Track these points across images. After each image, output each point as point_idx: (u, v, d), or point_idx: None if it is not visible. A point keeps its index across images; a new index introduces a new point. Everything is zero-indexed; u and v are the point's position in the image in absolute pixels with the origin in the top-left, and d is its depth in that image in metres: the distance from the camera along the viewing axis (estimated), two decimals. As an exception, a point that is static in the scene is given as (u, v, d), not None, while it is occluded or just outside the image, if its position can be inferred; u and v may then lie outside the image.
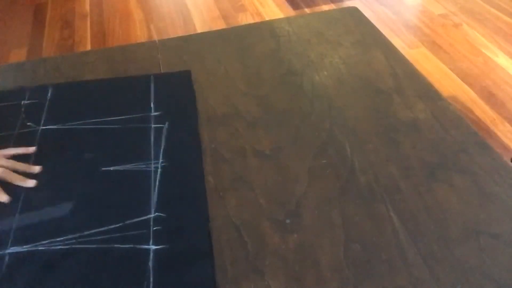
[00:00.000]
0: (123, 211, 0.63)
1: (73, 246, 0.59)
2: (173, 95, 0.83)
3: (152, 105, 0.80)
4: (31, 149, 0.73)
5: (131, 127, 0.76)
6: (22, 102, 0.81)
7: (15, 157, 0.71)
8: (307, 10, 2.42)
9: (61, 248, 0.58)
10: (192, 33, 1.10)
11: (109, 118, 0.78)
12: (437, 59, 2.04)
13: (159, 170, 0.68)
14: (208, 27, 2.31)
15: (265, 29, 1.04)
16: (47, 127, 0.76)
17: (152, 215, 0.62)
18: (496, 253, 0.58)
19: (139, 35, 2.29)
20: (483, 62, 2.01)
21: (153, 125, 0.76)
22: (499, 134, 1.66)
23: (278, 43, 0.99)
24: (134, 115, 0.78)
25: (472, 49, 2.09)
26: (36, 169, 0.70)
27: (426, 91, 0.84)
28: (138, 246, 0.59)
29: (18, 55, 2.19)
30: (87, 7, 2.54)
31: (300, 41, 0.99)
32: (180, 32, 2.28)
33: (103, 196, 0.66)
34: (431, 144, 0.74)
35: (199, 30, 2.30)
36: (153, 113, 0.79)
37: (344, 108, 0.82)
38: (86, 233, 0.60)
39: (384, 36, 1.01)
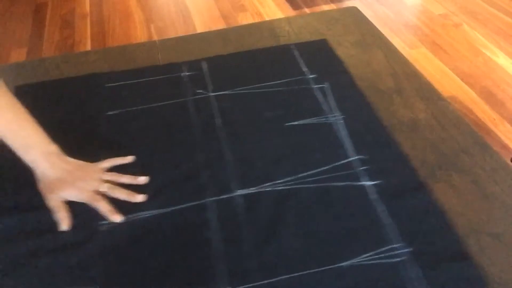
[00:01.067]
0: (324, 156, 0.71)
1: (295, 186, 0.66)
2: (319, 59, 0.92)
3: (304, 69, 0.89)
4: (129, 158, 0.72)
5: (295, 89, 0.84)
6: (182, 74, 0.88)
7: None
8: (307, 10, 2.42)
9: (283, 189, 0.66)
10: (192, 33, 1.10)
11: (270, 83, 0.86)
12: (437, 59, 2.04)
13: (340, 121, 0.77)
14: (208, 27, 2.31)
15: (265, 29, 1.04)
16: (218, 93, 0.84)
17: (354, 158, 0.70)
18: (496, 253, 0.58)
19: (139, 35, 2.29)
20: (483, 62, 2.01)
21: (314, 86, 0.84)
22: (499, 134, 1.66)
23: (278, 43, 0.99)
24: (292, 79, 0.87)
25: (472, 49, 2.09)
26: (142, 180, 0.68)
27: (426, 91, 0.85)
28: (355, 183, 0.66)
29: (18, 55, 2.20)
30: (87, 7, 2.54)
31: (300, 41, 0.99)
32: (180, 32, 2.28)
33: (299, 145, 0.73)
34: (431, 144, 0.74)
35: (199, 30, 2.30)
36: (310, 76, 0.87)
37: (344, 108, 0.82)
38: (300, 175, 0.68)
39: (384, 36, 1.01)
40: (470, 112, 1.75)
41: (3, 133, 0.66)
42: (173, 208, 0.64)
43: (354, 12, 1.10)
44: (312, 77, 0.87)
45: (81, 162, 0.69)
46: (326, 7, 2.43)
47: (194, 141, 0.74)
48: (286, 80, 0.87)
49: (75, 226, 0.62)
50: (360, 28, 1.04)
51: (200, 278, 0.56)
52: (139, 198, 0.66)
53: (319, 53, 0.94)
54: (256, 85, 0.85)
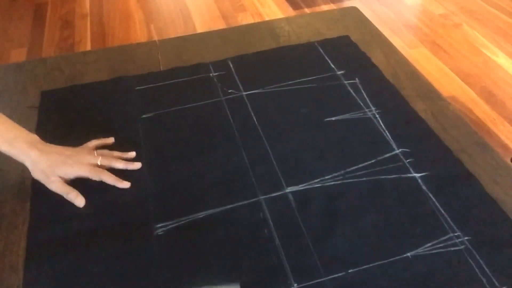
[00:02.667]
0: (368, 150, 0.72)
1: (344, 181, 0.67)
2: (345, 55, 0.93)
3: (332, 65, 0.90)
4: (111, 139, 0.75)
5: (327, 85, 0.85)
6: (211, 74, 0.89)
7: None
8: (307, 10, 2.42)
9: (333, 184, 0.67)
10: (192, 33, 1.10)
11: (301, 79, 0.87)
12: (437, 59, 2.04)
13: (377, 116, 0.78)
14: (208, 27, 2.31)
15: (265, 29, 1.04)
16: (249, 92, 0.84)
17: (398, 151, 0.71)
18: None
19: (139, 35, 2.29)
20: (483, 62, 2.01)
21: (345, 81, 0.85)
22: (499, 134, 1.66)
23: (278, 43, 0.99)
24: (322, 75, 0.87)
25: (472, 49, 2.09)
26: (132, 154, 0.72)
27: (426, 91, 0.85)
28: (404, 175, 0.67)
29: (18, 55, 2.19)
30: (87, 7, 2.54)
31: (300, 41, 0.99)
32: (180, 32, 2.28)
33: (340, 141, 0.74)
34: (431, 144, 0.74)
35: (199, 30, 2.30)
36: (339, 72, 0.88)
37: (344, 108, 0.82)
38: (348, 170, 0.68)
39: (384, 36, 1.01)
40: (470, 112, 1.75)
41: None
42: (224, 207, 0.64)
43: (354, 12, 1.10)
44: (342, 73, 0.88)
45: (67, 146, 0.70)
46: (326, 7, 2.43)
47: (236, 141, 0.74)
48: (316, 77, 0.87)
49: (129, 234, 0.61)
50: (360, 28, 1.04)
51: (266, 276, 0.56)
52: (137, 165, 0.70)
53: (344, 50, 0.95)
54: (287, 83, 0.86)
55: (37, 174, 0.66)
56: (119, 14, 2.47)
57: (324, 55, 0.93)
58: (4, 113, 0.81)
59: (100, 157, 0.69)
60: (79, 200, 0.65)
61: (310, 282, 0.55)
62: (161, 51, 0.98)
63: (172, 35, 2.23)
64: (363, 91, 0.83)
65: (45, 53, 2.19)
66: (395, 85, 0.86)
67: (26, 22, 2.44)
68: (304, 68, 0.90)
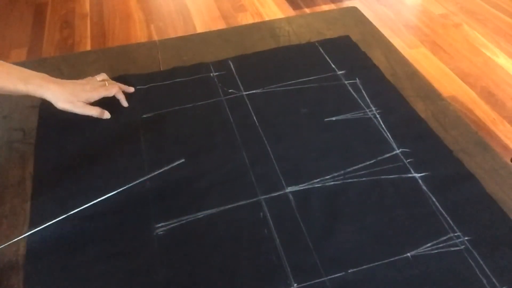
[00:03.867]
0: (368, 150, 0.72)
1: (344, 181, 0.67)
2: (345, 56, 0.93)
3: (332, 65, 0.90)
4: (131, 88, 0.85)
5: (327, 85, 0.85)
6: (211, 74, 0.89)
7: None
8: (307, 10, 2.42)
9: (334, 184, 0.67)
10: (192, 33, 1.10)
11: (302, 79, 0.86)
12: (437, 59, 2.04)
13: (377, 116, 0.78)
14: (208, 27, 2.31)
15: (265, 29, 1.04)
16: (250, 92, 0.84)
17: (398, 151, 0.71)
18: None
19: (139, 35, 2.29)
20: (483, 62, 2.01)
21: (346, 81, 0.85)
22: (499, 134, 1.66)
23: (278, 43, 0.99)
24: (322, 75, 0.87)
25: (472, 49, 2.09)
26: (131, 89, 0.84)
27: (426, 91, 0.84)
28: (404, 175, 0.67)
29: (18, 55, 2.20)
30: (87, 7, 2.54)
31: (300, 41, 0.99)
32: (180, 32, 2.28)
33: (341, 140, 0.74)
34: (431, 144, 0.74)
35: (199, 30, 2.30)
36: (339, 72, 0.88)
37: (344, 108, 0.82)
38: (348, 170, 0.68)
39: (384, 36, 1.01)
40: (470, 112, 1.75)
41: None
42: (224, 207, 0.64)
43: (354, 12, 1.10)
44: (342, 73, 0.88)
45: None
46: (326, 7, 2.43)
47: (237, 141, 0.74)
48: (317, 77, 0.87)
49: (129, 234, 0.61)
50: (360, 28, 1.04)
51: (265, 276, 0.56)
52: (131, 89, 0.84)
53: (344, 50, 0.95)
54: (287, 83, 0.86)
55: (61, 104, 0.74)
56: (119, 14, 2.47)
57: (324, 55, 0.93)
58: (4, 113, 0.82)
59: (111, 81, 0.82)
60: (106, 114, 0.78)
61: (310, 282, 0.55)
62: (161, 51, 0.98)
63: (172, 35, 2.23)
64: (363, 91, 0.83)
65: (45, 53, 2.19)
66: (395, 85, 0.86)
67: (26, 22, 2.44)
68: (304, 68, 0.90)
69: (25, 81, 0.71)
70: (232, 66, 0.91)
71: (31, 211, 0.65)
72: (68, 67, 0.93)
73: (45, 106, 0.79)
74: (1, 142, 0.76)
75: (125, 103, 0.81)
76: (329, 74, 0.88)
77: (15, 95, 0.73)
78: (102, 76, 0.83)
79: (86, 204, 0.62)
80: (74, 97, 0.74)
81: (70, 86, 0.75)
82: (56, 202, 0.65)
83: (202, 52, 0.96)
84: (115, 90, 0.80)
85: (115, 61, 0.95)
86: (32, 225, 0.62)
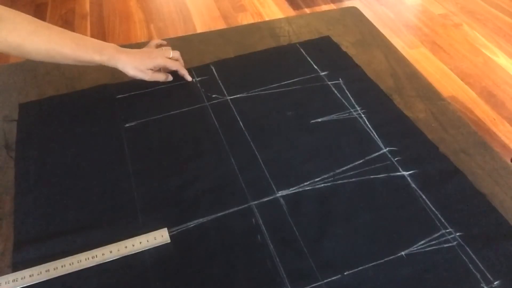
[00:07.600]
0: (355, 150, 0.72)
1: (334, 182, 0.67)
2: (327, 56, 0.93)
3: (315, 66, 0.90)
4: (164, 42, 0.93)
5: (311, 86, 0.85)
6: (194, 80, 0.89)
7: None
8: (307, 10, 2.42)
9: (324, 186, 0.66)
10: (192, 33, 1.10)
11: (285, 82, 0.86)
12: (437, 59, 2.04)
13: (363, 116, 0.78)
14: (208, 27, 2.31)
15: (265, 29, 1.04)
16: (234, 96, 0.84)
17: (386, 150, 0.72)
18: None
19: (139, 35, 2.29)
20: (483, 62, 2.01)
21: (329, 82, 0.86)
22: (499, 134, 1.66)
23: (278, 43, 0.99)
24: (305, 77, 0.88)
25: (472, 49, 2.09)
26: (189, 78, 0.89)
27: (426, 91, 0.84)
28: (393, 174, 0.68)
29: (18, 55, 2.19)
30: (87, 7, 2.54)
31: (300, 41, 0.99)
32: (180, 32, 2.28)
33: (328, 142, 0.74)
34: (431, 144, 0.74)
35: (199, 30, 2.30)
36: (322, 73, 0.88)
37: (344, 108, 0.82)
38: (337, 171, 0.68)
39: (384, 36, 1.01)
40: (470, 112, 1.75)
41: (74, 49, 0.76)
42: (215, 215, 0.63)
43: (354, 12, 1.10)
44: (325, 74, 0.88)
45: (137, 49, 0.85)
46: (326, 7, 2.43)
47: (223, 146, 0.73)
48: (300, 78, 0.87)
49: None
50: (360, 28, 1.04)
51: (261, 282, 0.55)
52: (188, 77, 0.88)
53: (326, 50, 0.95)
54: (271, 86, 0.85)
55: (132, 72, 0.81)
56: (119, 14, 2.47)
57: (306, 56, 0.93)
58: (4, 113, 0.82)
59: (171, 52, 0.87)
60: (169, 77, 0.87)
61: (307, 287, 0.54)
62: (161, 51, 0.98)
63: (172, 35, 2.23)
64: (347, 92, 0.83)
65: (45, 53, 2.19)
66: (395, 85, 0.86)
67: (26, 22, 2.43)
68: (287, 70, 0.89)
69: (100, 52, 0.78)
70: (214, 70, 0.90)
71: (14, 229, 0.62)
72: (68, 66, 0.92)
73: (23, 120, 0.78)
74: None
75: (188, 78, 0.87)
76: (312, 75, 0.88)
77: (87, 66, 0.80)
78: (156, 41, 0.91)
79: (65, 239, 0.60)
80: (143, 65, 0.82)
81: (139, 55, 0.82)
82: (40, 220, 0.63)
83: (202, 52, 0.96)
84: (179, 67, 0.87)
85: (115, 61, 0.95)
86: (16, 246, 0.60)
